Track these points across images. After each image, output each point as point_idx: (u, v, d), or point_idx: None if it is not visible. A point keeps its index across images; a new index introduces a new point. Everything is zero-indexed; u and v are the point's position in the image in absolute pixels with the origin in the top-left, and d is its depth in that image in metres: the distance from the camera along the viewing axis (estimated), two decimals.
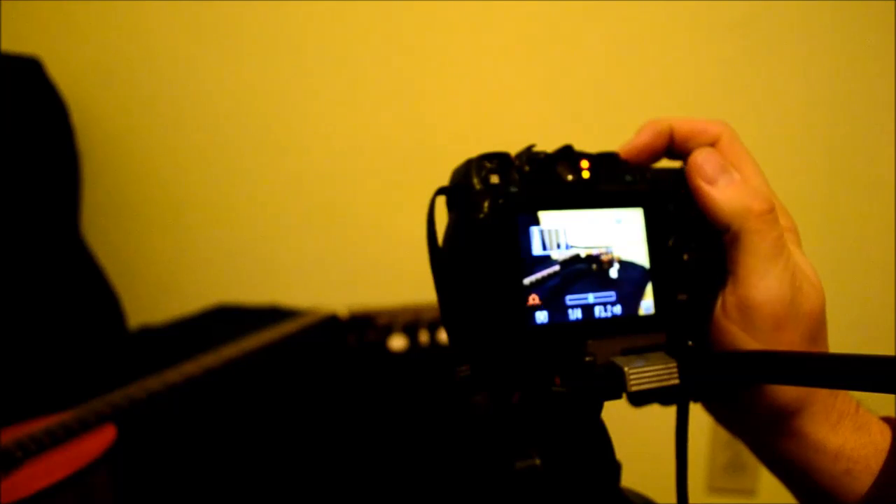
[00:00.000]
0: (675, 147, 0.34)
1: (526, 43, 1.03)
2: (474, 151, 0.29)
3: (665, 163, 0.35)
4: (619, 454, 0.31)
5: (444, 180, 0.30)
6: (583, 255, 0.29)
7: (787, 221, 0.32)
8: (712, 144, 0.33)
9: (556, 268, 0.29)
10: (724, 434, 1.10)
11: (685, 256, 0.31)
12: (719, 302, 0.31)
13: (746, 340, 0.30)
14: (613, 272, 0.30)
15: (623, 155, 0.33)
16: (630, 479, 0.31)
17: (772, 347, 0.29)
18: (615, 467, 0.31)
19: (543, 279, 0.28)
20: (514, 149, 0.30)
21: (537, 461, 0.29)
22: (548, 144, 0.31)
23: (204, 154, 1.11)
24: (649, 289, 0.31)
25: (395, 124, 1.07)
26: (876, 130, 0.98)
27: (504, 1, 1.01)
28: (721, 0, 0.98)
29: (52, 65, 0.99)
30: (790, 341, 0.29)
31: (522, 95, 1.04)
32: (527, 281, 0.28)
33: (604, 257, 0.30)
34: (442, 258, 0.29)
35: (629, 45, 1.01)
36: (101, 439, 0.60)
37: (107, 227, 1.12)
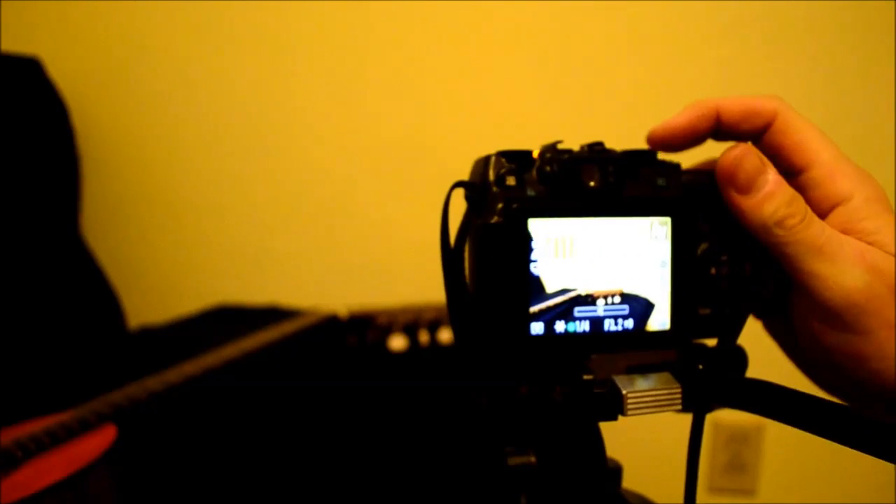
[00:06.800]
0: (725, 130, 0.31)
1: (526, 43, 1.03)
2: (475, 151, 0.29)
3: (708, 151, 0.33)
4: (621, 456, 0.31)
5: (445, 180, 0.29)
6: (597, 265, 0.27)
7: (861, 190, 0.29)
8: (768, 124, 0.30)
9: (567, 277, 0.27)
10: (724, 434, 1.11)
11: (713, 270, 0.29)
12: (805, 318, 0.29)
13: (850, 341, 0.28)
14: (629, 284, 0.28)
15: (654, 135, 0.30)
16: (631, 480, 0.31)
17: (877, 334, 0.27)
18: (606, 475, 0.30)
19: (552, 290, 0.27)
20: (514, 148, 0.29)
21: (532, 458, 0.29)
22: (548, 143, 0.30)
23: (204, 154, 1.11)
24: (667, 303, 0.29)
25: (396, 124, 1.07)
26: (876, 131, 0.98)
27: (504, 0, 1.01)
28: (721, 0, 0.98)
29: (52, 65, 0.99)
30: (889, 319, 0.27)
31: (523, 95, 1.04)
32: (534, 290, 0.27)
33: (620, 268, 0.28)
34: (452, 256, 0.28)
35: (630, 45, 1.01)
36: (101, 439, 0.60)
37: (107, 227, 1.11)
